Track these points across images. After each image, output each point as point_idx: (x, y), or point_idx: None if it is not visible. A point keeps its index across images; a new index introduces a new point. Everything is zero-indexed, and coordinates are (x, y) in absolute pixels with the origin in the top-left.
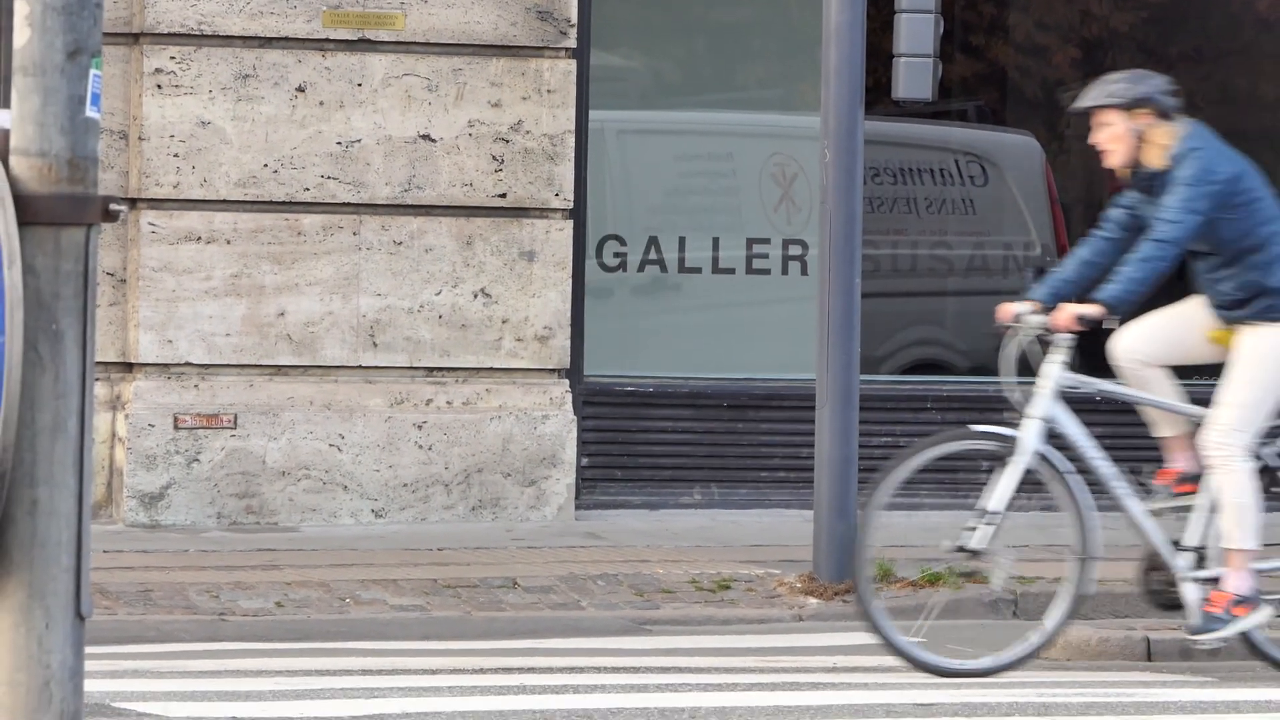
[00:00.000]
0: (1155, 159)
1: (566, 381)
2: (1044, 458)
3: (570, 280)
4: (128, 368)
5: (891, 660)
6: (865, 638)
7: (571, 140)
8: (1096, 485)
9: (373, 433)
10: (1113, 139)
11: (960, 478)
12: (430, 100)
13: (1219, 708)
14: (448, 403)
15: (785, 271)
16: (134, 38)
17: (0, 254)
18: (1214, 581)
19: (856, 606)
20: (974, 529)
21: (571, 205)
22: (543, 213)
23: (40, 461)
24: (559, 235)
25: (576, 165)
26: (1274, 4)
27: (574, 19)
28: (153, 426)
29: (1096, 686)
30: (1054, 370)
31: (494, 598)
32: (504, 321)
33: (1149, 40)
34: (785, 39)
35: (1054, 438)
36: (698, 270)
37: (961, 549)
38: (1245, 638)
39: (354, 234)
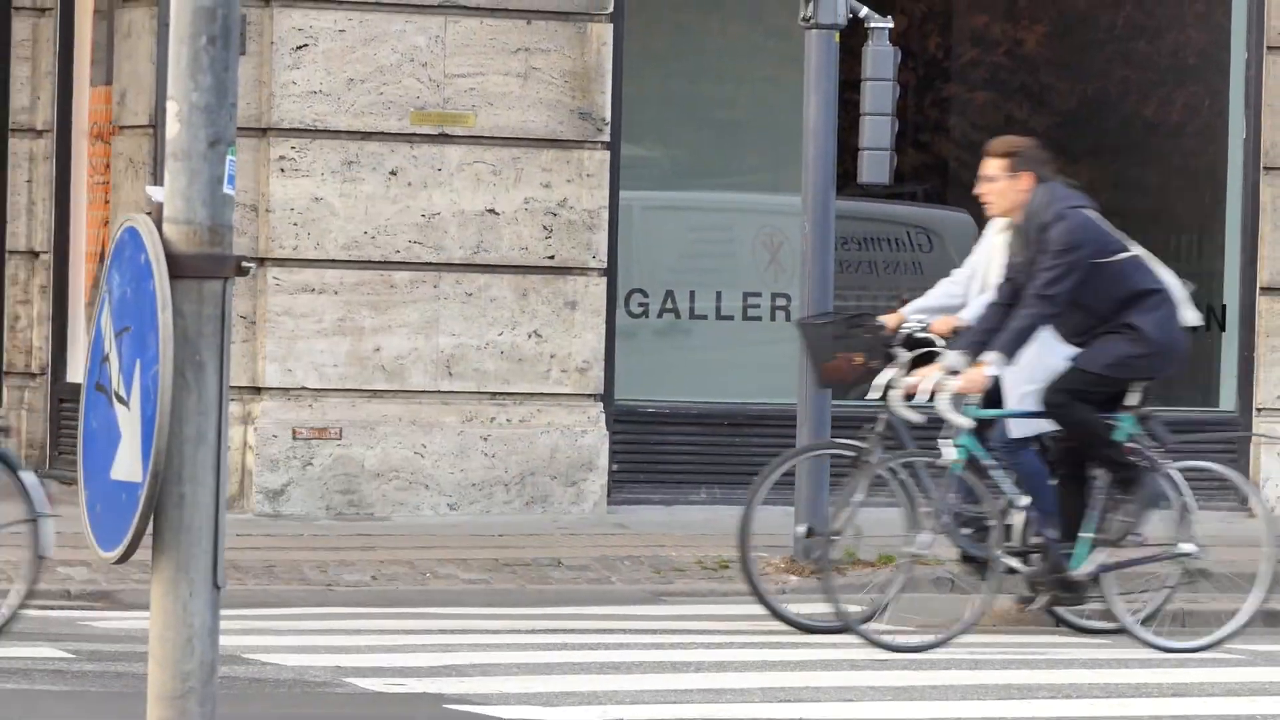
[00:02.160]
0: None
1: (601, 404)
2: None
3: (604, 324)
4: (256, 391)
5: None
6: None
7: (605, 214)
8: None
9: (448, 443)
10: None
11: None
12: (495, 182)
13: (1111, 662)
14: (507, 420)
15: (773, 319)
16: (262, 131)
17: (155, 300)
18: None
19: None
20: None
21: (605, 265)
22: (582, 271)
23: (186, 464)
24: (595, 289)
25: (609, 234)
26: (1159, 110)
27: (608, 119)
28: (276, 437)
29: (1016, 647)
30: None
31: (542, 574)
32: (552, 356)
33: (1060, 138)
34: (774, 135)
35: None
36: (704, 317)
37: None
38: None
39: (434, 287)
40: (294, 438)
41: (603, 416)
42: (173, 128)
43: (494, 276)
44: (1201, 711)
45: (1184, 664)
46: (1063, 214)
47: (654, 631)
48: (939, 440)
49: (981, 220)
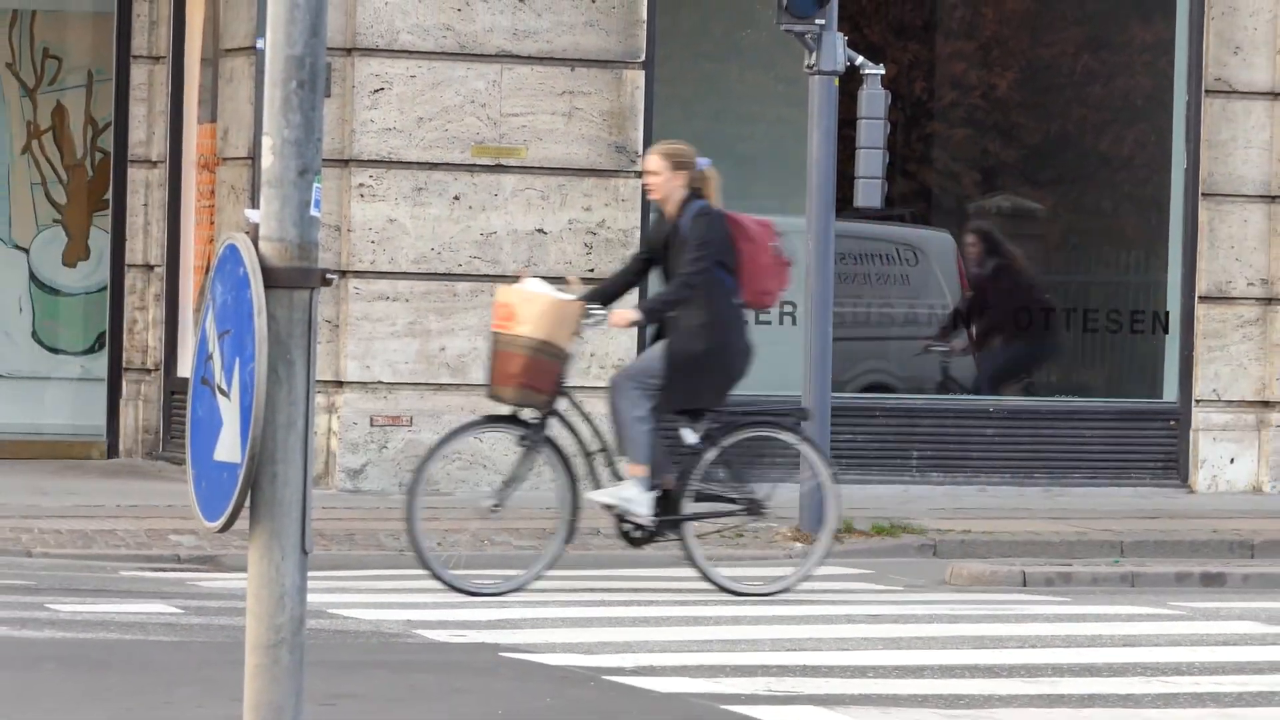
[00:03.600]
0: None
1: None
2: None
3: (638, 329)
4: (339, 385)
5: (844, 578)
6: (832, 569)
7: (637, 233)
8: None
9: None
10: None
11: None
12: (543, 206)
13: (1071, 617)
14: None
15: (782, 323)
16: (345, 162)
17: (252, 307)
18: None
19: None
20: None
21: None
22: None
23: (278, 447)
24: (629, 297)
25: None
26: (1111, 144)
27: (640, 151)
28: (356, 424)
29: (988, 603)
30: None
31: (584, 541)
32: (591, 355)
33: (1027, 169)
34: (782, 166)
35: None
36: None
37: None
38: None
39: (491, 296)
40: (371, 425)
41: None
42: (268, 159)
43: None
44: (1149, 659)
45: (1133, 619)
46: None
47: (679, 591)
48: None
49: (962, 239)
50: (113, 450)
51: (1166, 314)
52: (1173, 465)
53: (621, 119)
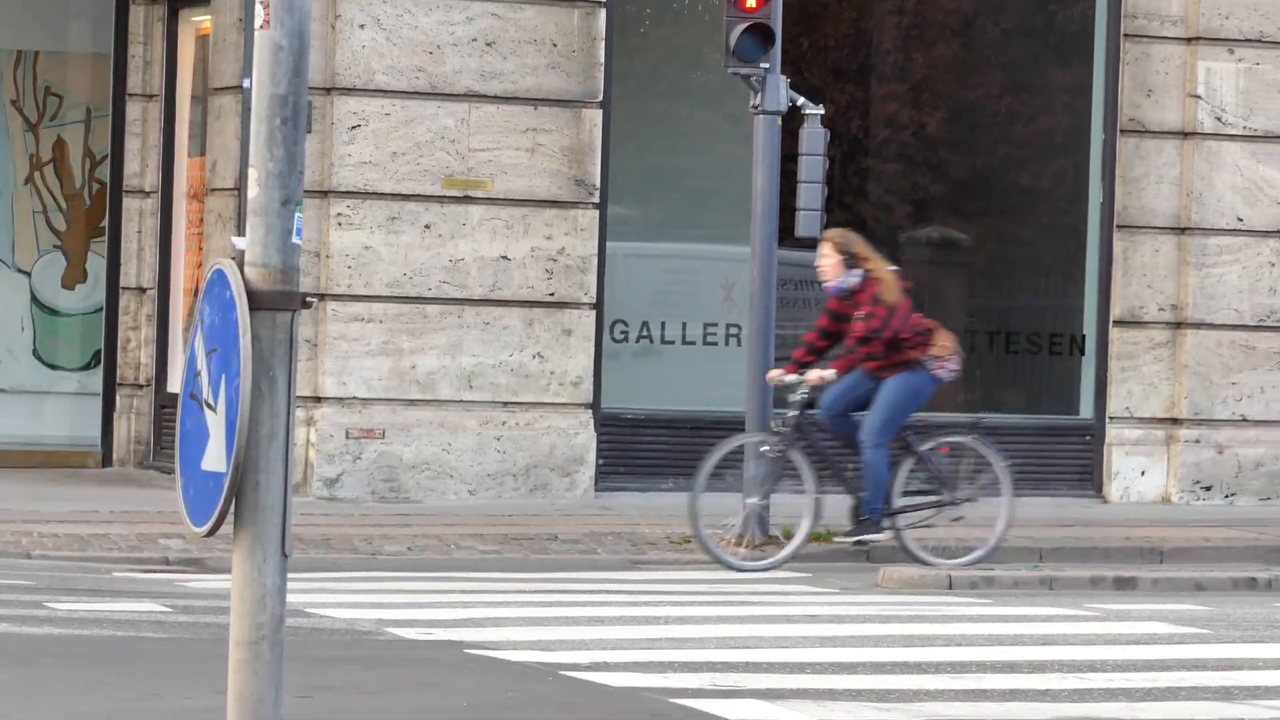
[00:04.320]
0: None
1: (590, 411)
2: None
3: (594, 348)
4: (317, 400)
5: (784, 580)
6: (773, 573)
7: (595, 260)
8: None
9: (468, 442)
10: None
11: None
12: (508, 234)
13: (994, 618)
14: (515, 424)
15: (728, 344)
16: (324, 193)
17: (238, 328)
18: None
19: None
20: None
21: (594, 301)
22: (576, 305)
23: (261, 457)
24: (587, 320)
25: (598, 276)
26: (1033, 179)
27: (597, 184)
28: (332, 437)
29: (917, 605)
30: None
31: (543, 546)
32: (551, 373)
33: (954, 202)
34: (729, 198)
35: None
36: (673, 342)
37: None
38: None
39: (459, 318)
40: (346, 437)
41: (591, 421)
42: (253, 190)
43: (506, 309)
44: (1066, 657)
45: (1051, 619)
46: None
47: (631, 592)
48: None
49: (894, 265)
50: (107, 460)
51: (1083, 337)
52: (1088, 477)
53: (581, 154)
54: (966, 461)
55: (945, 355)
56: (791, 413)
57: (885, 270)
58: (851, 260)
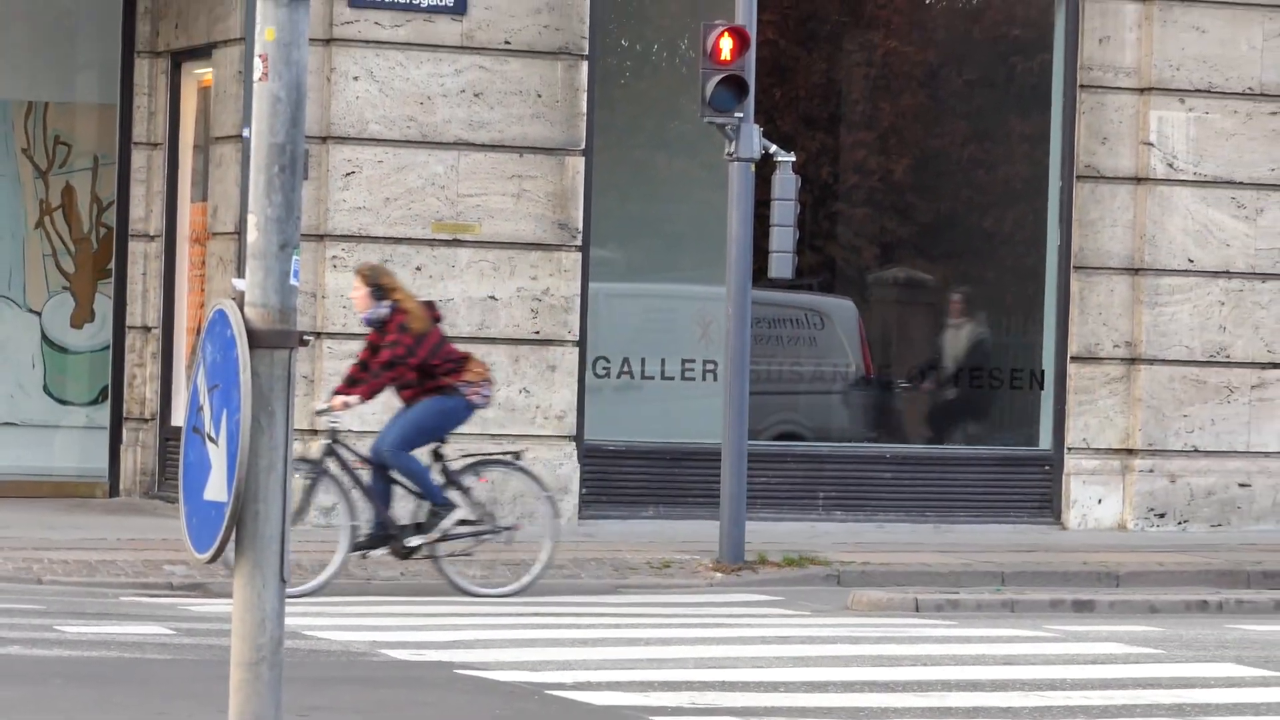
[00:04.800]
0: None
1: (574, 443)
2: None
3: (577, 383)
4: (314, 433)
5: (758, 604)
6: (748, 596)
7: (578, 300)
8: None
9: None
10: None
11: None
12: (494, 275)
13: (958, 639)
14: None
15: (704, 379)
16: (320, 237)
17: (238, 364)
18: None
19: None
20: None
21: (578, 338)
22: (560, 343)
23: (260, 488)
24: (570, 356)
25: (581, 315)
26: (994, 223)
27: (580, 228)
28: None
29: (885, 626)
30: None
31: (530, 571)
32: (537, 407)
33: (920, 244)
34: (705, 241)
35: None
36: (652, 378)
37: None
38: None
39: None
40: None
41: (575, 452)
42: (252, 234)
43: (494, 346)
44: (1027, 676)
45: (1013, 640)
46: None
47: (613, 615)
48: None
49: (862, 305)
50: (114, 490)
51: (1042, 372)
52: (1047, 505)
53: (564, 200)
54: (511, 489)
55: (478, 382)
56: (322, 441)
57: (413, 301)
58: (380, 292)
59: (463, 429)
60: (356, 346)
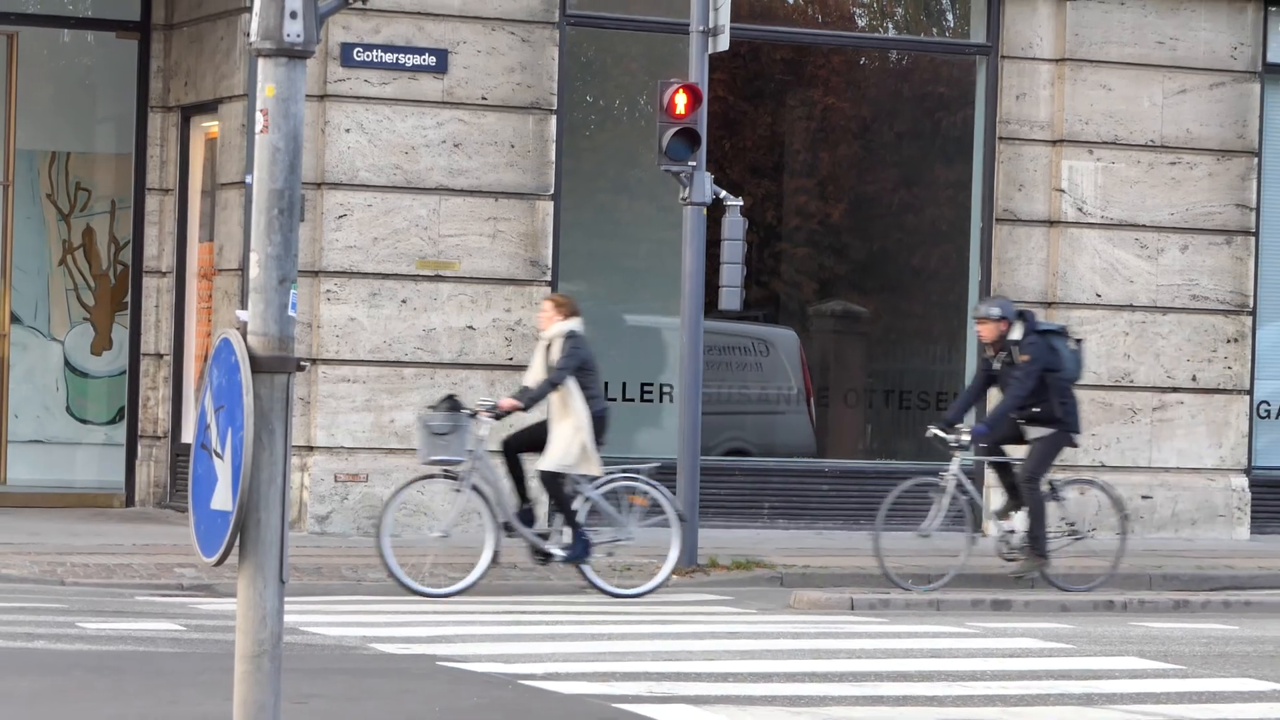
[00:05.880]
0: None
1: None
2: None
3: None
4: (310, 449)
5: (710, 603)
6: (700, 596)
7: None
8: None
9: (440, 485)
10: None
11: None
12: (472, 308)
13: (889, 634)
14: None
15: (661, 400)
16: (315, 273)
17: (241, 387)
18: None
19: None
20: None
21: None
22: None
23: (261, 498)
24: None
25: None
26: (921, 261)
27: (549, 265)
28: (323, 480)
29: (823, 623)
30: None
31: (504, 574)
32: (510, 426)
33: (855, 280)
34: (662, 277)
35: None
36: (614, 400)
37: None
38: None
39: (431, 379)
40: (335, 481)
41: None
42: (254, 270)
43: (471, 371)
44: (950, 668)
45: (938, 635)
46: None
47: (580, 612)
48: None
49: (803, 334)
50: (130, 501)
51: None
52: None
53: (535, 239)
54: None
55: None
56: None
57: None
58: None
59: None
60: (348, 372)
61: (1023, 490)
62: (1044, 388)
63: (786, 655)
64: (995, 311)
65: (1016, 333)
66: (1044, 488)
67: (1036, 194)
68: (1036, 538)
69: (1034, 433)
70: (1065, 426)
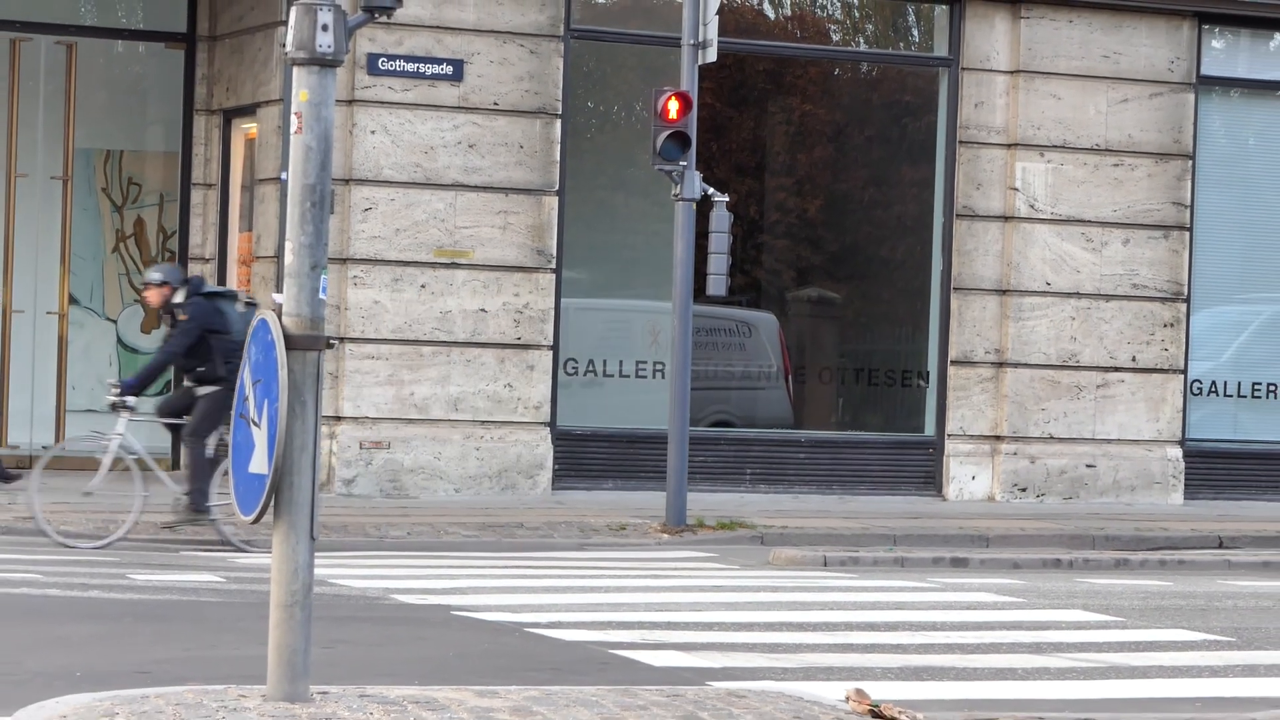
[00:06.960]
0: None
1: (548, 428)
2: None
3: (551, 380)
4: (338, 419)
5: (697, 560)
6: (688, 553)
7: (552, 312)
8: None
9: (455, 451)
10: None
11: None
12: (485, 292)
13: (858, 589)
14: (491, 438)
15: (654, 377)
16: (343, 260)
17: (277, 363)
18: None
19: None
20: None
21: (552, 343)
22: (538, 347)
23: (294, 464)
24: (546, 358)
25: (554, 324)
26: (890, 251)
27: (554, 254)
28: (349, 447)
29: (799, 578)
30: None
31: (511, 532)
32: (518, 399)
33: (829, 269)
34: (656, 265)
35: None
36: (612, 376)
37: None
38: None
39: (447, 357)
40: (360, 448)
41: (549, 436)
42: (289, 258)
43: (483, 350)
44: (913, 619)
45: (902, 590)
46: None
47: (580, 567)
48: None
49: (782, 317)
50: (175, 465)
51: (927, 373)
52: (931, 481)
53: (541, 231)
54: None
55: None
56: None
57: None
58: None
59: (459, 416)
60: (372, 350)
61: (185, 445)
62: (209, 348)
63: (766, 607)
64: (157, 277)
65: (180, 296)
66: (211, 447)
67: (993, 192)
68: (194, 492)
69: (201, 391)
70: (229, 385)
